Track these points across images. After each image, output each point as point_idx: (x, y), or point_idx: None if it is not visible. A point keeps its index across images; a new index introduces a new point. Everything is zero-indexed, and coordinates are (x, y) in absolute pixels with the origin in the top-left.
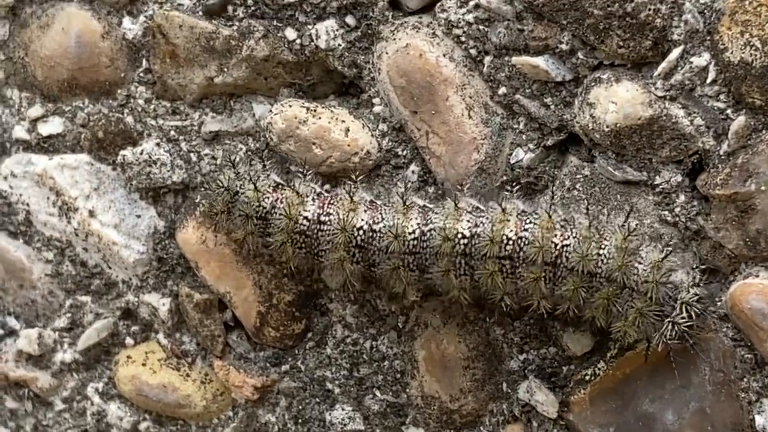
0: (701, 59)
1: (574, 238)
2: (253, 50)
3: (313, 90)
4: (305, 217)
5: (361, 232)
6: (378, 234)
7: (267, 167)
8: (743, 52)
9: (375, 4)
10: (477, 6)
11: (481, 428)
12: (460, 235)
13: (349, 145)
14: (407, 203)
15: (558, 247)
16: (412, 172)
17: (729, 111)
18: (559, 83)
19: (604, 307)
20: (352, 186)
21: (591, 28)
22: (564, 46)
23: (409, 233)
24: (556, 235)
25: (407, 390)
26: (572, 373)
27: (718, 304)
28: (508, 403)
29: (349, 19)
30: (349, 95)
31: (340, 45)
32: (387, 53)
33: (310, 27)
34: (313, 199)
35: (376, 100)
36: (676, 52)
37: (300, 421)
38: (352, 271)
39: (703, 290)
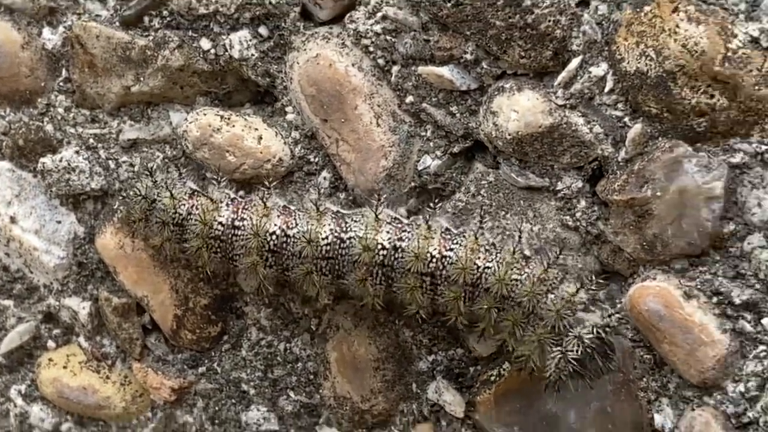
0: (599, 69)
1: (497, 262)
2: (168, 60)
3: (229, 98)
4: (220, 222)
5: (274, 237)
6: (291, 239)
7: (183, 175)
8: (639, 62)
9: (287, 15)
10: (384, 17)
11: (392, 428)
12: (380, 246)
13: (261, 153)
14: (320, 209)
15: (480, 269)
16: (324, 178)
17: (626, 119)
18: (464, 92)
19: (511, 331)
20: (266, 192)
21: (494, 38)
22: (469, 56)
23: (323, 238)
24: (479, 257)
25: (320, 391)
26: (478, 374)
27: (618, 306)
28: (417, 403)
29: (262, 30)
30: (264, 104)
31: (253, 55)
32: (298, 63)
33: (224, 37)
34: (228, 205)
35: (288, 109)
36: (575, 62)
37: (216, 421)
38: (266, 275)
39: (610, 331)
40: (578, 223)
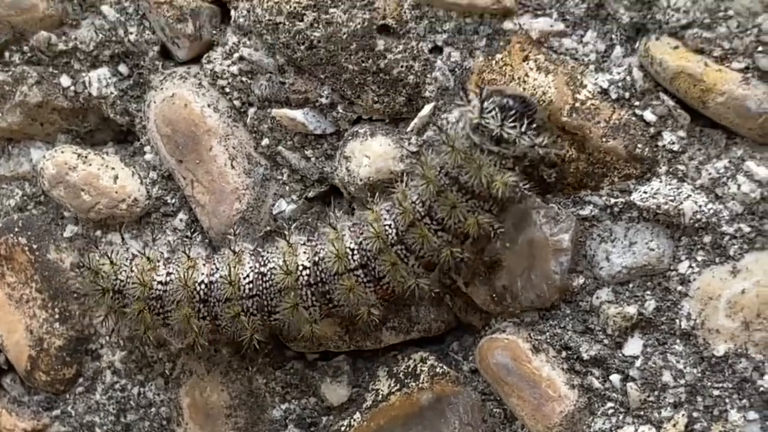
0: (452, 116)
1: (401, 204)
2: (26, 96)
3: (92, 137)
4: (159, 282)
5: (202, 285)
6: (216, 284)
7: (125, 240)
8: None
9: (146, 53)
10: (241, 58)
11: None
12: (300, 267)
13: (116, 192)
14: (236, 249)
15: (388, 225)
16: (181, 220)
17: None
18: (320, 136)
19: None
20: (190, 243)
21: (347, 82)
22: (324, 100)
23: (244, 278)
24: (384, 218)
25: None
26: (331, 424)
27: (470, 358)
28: None
29: (122, 68)
30: (127, 143)
31: (112, 93)
32: (155, 102)
33: (84, 74)
34: (165, 264)
35: (147, 148)
36: (427, 109)
37: None
38: (200, 328)
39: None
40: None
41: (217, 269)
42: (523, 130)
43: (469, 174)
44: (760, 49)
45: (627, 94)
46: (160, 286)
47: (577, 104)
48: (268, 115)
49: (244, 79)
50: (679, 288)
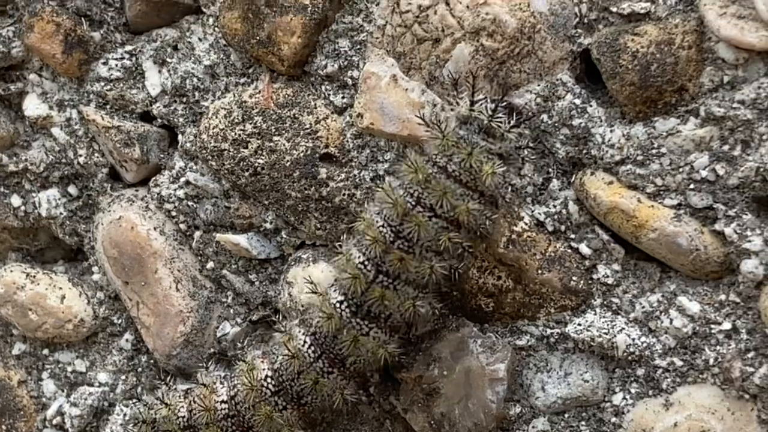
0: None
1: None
2: None
3: (42, 255)
4: (222, 401)
5: (268, 380)
6: (282, 368)
7: (169, 382)
8: None
9: (95, 175)
10: (188, 182)
11: None
12: (341, 307)
13: (63, 312)
14: (288, 330)
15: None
16: (126, 340)
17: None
18: (264, 260)
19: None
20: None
21: (291, 209)
22: (269, 225)
23: (302, 346)
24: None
25: None
26: None
27: None
28: None
29: (72, 189)
30: (77, 261)
31: (61, 213)
32: (102, 224)
33: (34, 195)
34: (222, 383)
35: (95, 269)
36: None
37: None
38: (287, 419)
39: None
40: (372, 397)
41: (277, 357)
42: (510, 126)
43: (459, 161)
44: (691, 186)
45: (563, 227)
46: (224, 405)
47: (514, 236)
48: (213, 239)
49: (190, 203)
50: (614, 419)
